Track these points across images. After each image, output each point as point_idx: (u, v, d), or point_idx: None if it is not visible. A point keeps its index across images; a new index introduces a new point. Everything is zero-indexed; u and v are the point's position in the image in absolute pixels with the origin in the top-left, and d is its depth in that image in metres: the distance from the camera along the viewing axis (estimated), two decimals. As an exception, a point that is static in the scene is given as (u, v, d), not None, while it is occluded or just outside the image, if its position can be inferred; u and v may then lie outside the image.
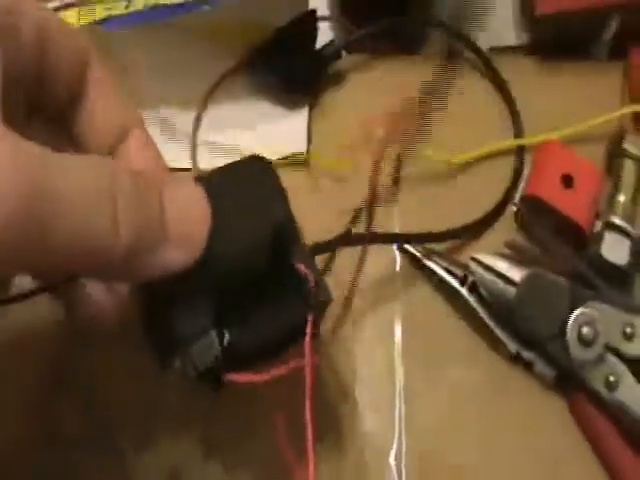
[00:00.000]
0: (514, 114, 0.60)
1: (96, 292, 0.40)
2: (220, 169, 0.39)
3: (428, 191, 0.58)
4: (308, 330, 0.39)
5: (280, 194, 0.39)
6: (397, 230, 0.57)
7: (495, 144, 0.59)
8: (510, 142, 0.59)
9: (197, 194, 0.36)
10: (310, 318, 0.39)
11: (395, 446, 0.51)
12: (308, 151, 0.59)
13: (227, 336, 0.37)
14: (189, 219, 0.35)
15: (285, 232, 0.39)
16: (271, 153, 0.56)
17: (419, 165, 0.59)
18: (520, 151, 0.59)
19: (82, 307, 0.40)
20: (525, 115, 0.60)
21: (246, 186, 0.38)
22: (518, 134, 0.59)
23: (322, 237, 0.46)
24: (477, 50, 0.61)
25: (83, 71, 0.38)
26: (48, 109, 0.38)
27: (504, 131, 0.60)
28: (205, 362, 0.36)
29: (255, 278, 0.37)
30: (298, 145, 0.59)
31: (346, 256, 0.54)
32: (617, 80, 0.62)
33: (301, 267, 0.39)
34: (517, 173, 0.58)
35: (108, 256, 0.31)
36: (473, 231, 0.56)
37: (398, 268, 0.56)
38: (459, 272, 0.53)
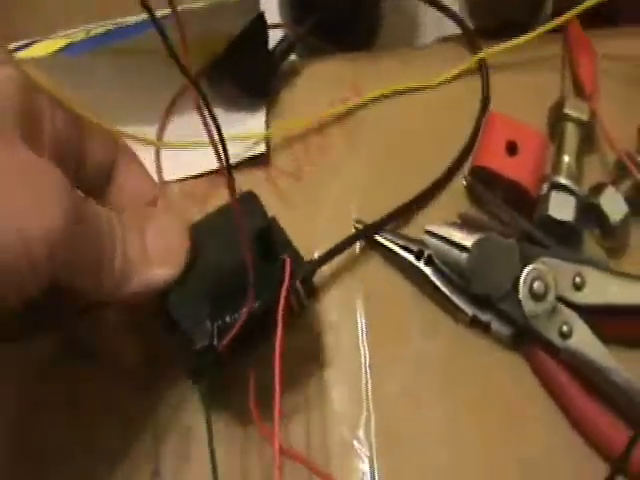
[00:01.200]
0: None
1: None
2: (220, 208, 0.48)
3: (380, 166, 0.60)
4: (287, 271, 0.45)
5: (260, 209, 0.47)
6: (354, 206, 0.59)
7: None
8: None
9: (175, 224, 0.45)
10: (288, 261, 0.45)
11: (363, 419, 0.52)
12: (268, 150, 0.61)
13: (220, 322, 0.44)
14: (168, 246, 0.43)
15: (269, 233, 0.46)
16: (231, 157, 0.58)
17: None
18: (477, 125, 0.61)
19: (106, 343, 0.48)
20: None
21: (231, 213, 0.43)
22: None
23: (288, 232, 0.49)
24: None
25: (114, 155, 0.46)
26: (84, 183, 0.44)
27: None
28: (201, 343, 0.44)
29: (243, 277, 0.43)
30: (258, 146, 0.61)
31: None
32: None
33: (285, 257, 0.45)
34: (467, 146, 0.59)
35: (107, 276, 0.40)
36: (425, 203, 0.58)
37: (357, 249, 0.57)
38: (415, 247, 0.55)
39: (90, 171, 0.44)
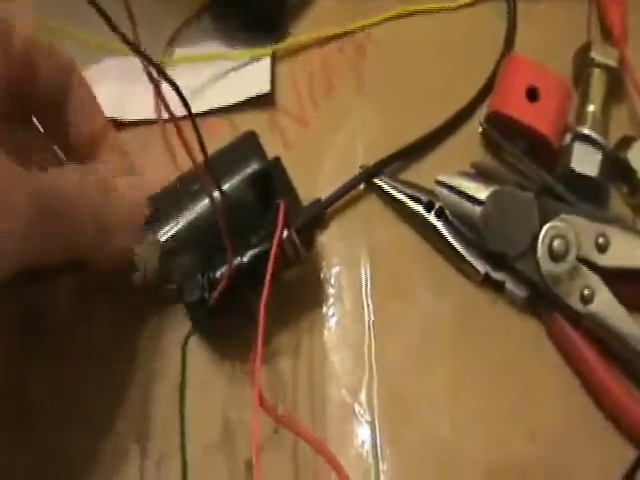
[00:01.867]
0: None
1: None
2: (220, 149, 0.47)
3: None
4: (280, 218, 0.43)
5: (260, 152, 0.46)
6: (360, 153, 0.55)
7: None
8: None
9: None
10: (282, 206, 0.43)
11: (365, 382, 0.49)
12: (273, 91, 0.57)
13: (212, 275, 0.43)
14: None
15: (266, 179, 0.44)
16: (235, 95, 0.55)
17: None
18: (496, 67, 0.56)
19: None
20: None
21: (234, 154, 0.46)
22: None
23: (292, 177, 0.48)
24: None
25: (67, 80, 0.45)
26: (34, 107, 0.45)
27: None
28: (192, 296, 0.43)
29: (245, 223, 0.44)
30: (262, 86, 0.57)
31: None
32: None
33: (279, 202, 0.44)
34: (483, 90, 0.54)
35: (85, 241, 0.40)
36: (436, 150, 0.54)
37: (362, 199, 0.53)
38: (425, 198, 0.51)
39: (42, 92, 0.44)
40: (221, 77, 0.57)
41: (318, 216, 0.49)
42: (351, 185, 0.52)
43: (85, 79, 0.47)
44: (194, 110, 0.52)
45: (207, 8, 0.59)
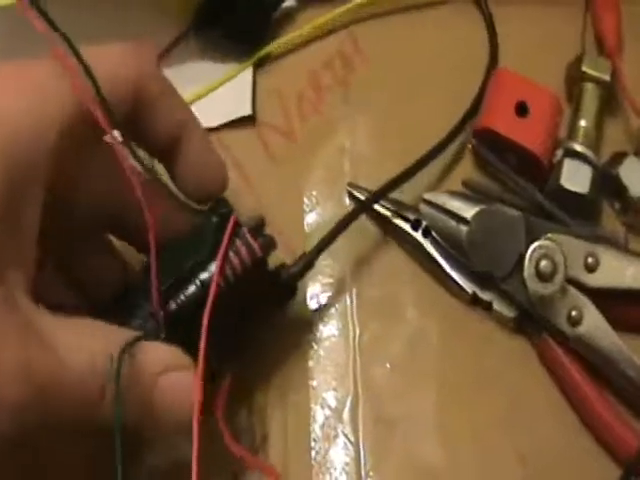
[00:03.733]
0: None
1: None
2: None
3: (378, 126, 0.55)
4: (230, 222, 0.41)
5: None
6: (347, 168, 0.54)
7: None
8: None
9: (184, 382, 0.38)
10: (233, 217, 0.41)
11: (349, 402, 0.48)
12: (254, 112, 0.56)
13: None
14: (174, 413, 0.37)
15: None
16: (216, 118, 0.55)
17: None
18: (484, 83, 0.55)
19: None
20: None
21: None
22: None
23: (278, 194, 0.48)
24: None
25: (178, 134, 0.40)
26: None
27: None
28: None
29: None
30: (243, 108, 0.56)
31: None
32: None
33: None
34: (472, 106, 0.53)
35: (95, 420, 0.35)
36: (426, 167, 0.52)
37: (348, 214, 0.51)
38: (412, 216, 0.50)
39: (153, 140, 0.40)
40: (202, 100, 0.56)
41: (306, 270, 0.46)
42: (347, 221, 0.49)
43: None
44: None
45: (191, 25, 0.58)
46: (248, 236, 0.41)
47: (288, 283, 0.45)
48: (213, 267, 0.40)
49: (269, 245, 0.42)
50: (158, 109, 0.40)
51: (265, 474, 0.44)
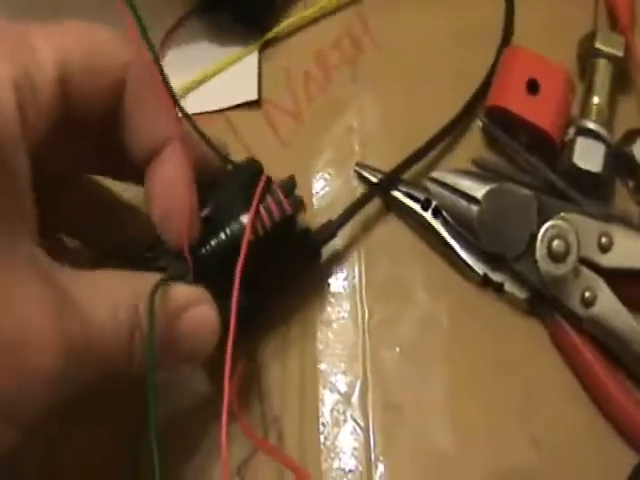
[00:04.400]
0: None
1: None
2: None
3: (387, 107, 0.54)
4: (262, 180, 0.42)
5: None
6: (356, 148, 0.53)
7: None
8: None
9: (209, 313, 0.39)
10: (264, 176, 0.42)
11: (358, 386, 0.47)
12: (260, 96, 0.55)
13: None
14: (199, 341, 0.39)
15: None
16: (222, 101, 0.55)
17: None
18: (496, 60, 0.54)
19: None
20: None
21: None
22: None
23: (286, 174, 0.45)
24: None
25: (117, 90, 0.38)
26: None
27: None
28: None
29: None
30: (249, 92, 0.55)
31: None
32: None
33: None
34: (484, 83, 0.52)
35: (125, 372, 0.36)
36: (436, 147, 0.51)
37: (358, 195, 0.51)
38: (421, 196, 0.49)
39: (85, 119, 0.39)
40: (209, 83, 0.56)
41: (329, 238, 0.47)
42: (363, 201, 0.49)
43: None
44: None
45: (196, 7, 0.57)
46: (279, 193, 0.42)
47: (313, 247, 0.46)
48: (243, 219, 0.41)
49: (299, 205, 0.43)
50: (141, 111, 0.39)
51: (294, 473, 0.43)
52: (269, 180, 0.42)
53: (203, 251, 0.41)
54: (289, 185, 0.44)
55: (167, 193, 0.40)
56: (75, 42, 0.36)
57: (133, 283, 0.36)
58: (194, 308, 0.39)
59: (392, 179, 0.50)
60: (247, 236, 0.41)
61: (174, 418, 0.46)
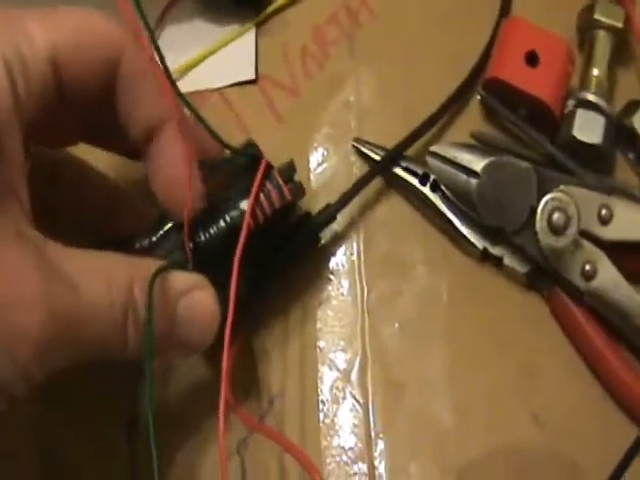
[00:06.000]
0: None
1: None
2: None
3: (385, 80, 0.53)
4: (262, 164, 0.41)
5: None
6: (353, 124, 0.52)
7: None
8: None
9: (208, 299, 0.39)
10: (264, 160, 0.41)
11: (358, 362, 0.47)
12: (257, 75, 0.54)
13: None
14: (198, 327, 0.39)
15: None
16: (220, 80, 0.54)
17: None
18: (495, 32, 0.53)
19: None
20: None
21: None
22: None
23: (283, 151, 0.45)
24: None
25: (111, 72, 0.38)
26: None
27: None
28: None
29: None
30: (247, 72, 0.55)
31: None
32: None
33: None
34: (483, 57, 0.51)
35: (119, 355, 0.36)
36: (439, 120, 0.50)
37: (355, 170, 0.51)
38: (420, 171, 0.48)
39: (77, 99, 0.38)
40: (205, 62, 0.55)
41: (329, 221, 0.47)
42: (364, 181, 0.49)
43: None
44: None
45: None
46: (279, 179, 0.41)
47: (312, 231, 0.46)
48: (243, 205, 0.40)
49: (299, 190, 0.43)
50: (137, 94, 0.39)
51: (306, 470, 0.42)
52: (268, 165, 0.42)
53: (202, 239, 0.40)
54: (288, 170, 0.43)
55: (168, 164, 0.40)
56: (68, 25, 0.37)
57: (129, 266, 0.37)
58: (192, 294, 0.38)
59: (392, 158, 0.49)
60: (246, 223, 0.40)
61: (172, 401, 0.46)
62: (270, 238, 0.43)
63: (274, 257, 0.45)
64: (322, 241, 0.48)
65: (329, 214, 0.47)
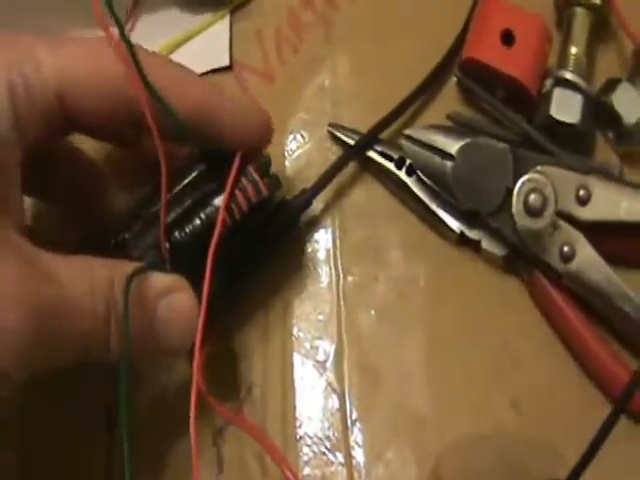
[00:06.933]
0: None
1: None
2: None
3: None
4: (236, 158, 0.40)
5: None
6: (328, 108, 0.51)
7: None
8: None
9: (187, 301, 0.39)
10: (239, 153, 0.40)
11: (334, 350, 0.46)
12: (231, 62, 0.54)
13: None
14: (176, 329, 0.39)
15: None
16: (194, 67, 0.51)
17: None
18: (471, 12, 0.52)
19: None
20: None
21: None
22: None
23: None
24: None
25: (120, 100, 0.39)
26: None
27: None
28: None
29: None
30: (221, 58, 0.54)
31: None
32: None
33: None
34: (459, 37, 0.50)
35: (102, 356, 0.36)
36: (414, 103, 0.50)
37: (331, 156, 0.50)
38: (395, 155, 0.47)
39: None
40: (180, 50, 0.54)
41: (306, 206, 0.46)
42: (339, 165, 0.48)
43: None
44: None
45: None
46: (255, 175, 0.41)
47: (289, 217, 0.45)
48: (218, 202, 0.40)
49: (275, 185, 0.42)
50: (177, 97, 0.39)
51: (248, 433, 0.42)
52: (244, 159, 0.41)
53: (178, 237, 0.40)
54: (264, 164, 0.42)
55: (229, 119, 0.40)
56: (79, 57, 0.37)
57: (111, 268, 0.37)
58: (171, 296, 0.38)
59: (367, 141, 0.48)
60: (220, 219, 0.40)
61: (147, 392, 0.46)
62: (247, 229, 0.42)
63: (252, 248, 0.44)
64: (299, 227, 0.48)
65: (305, 199, 0.46)
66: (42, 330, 0.32)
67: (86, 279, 0.35)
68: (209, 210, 0.40)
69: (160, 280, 0.38)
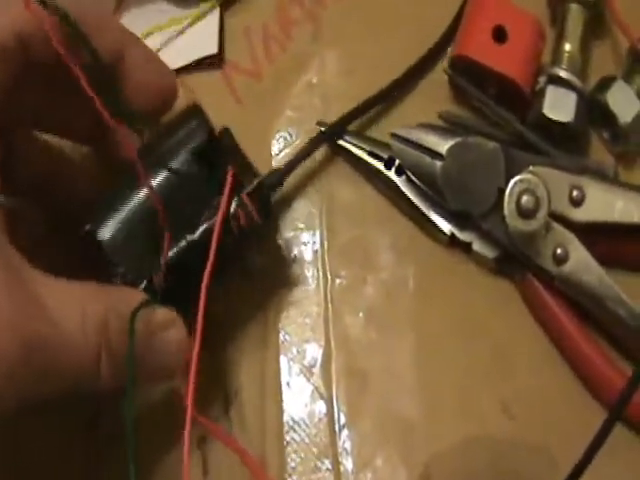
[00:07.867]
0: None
1: None
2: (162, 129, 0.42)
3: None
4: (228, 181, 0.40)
5: (205, 125, 0.41)
6: (317, 106, 0.51)
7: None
8: None
9: (182, 335, 0.39)
10: (231, 171, 0.40)
11: (321, 354, 0.45)
12: (221, 52, 0.53)
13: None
14: (168, 360, 0.39)
15: (214, 152, 0.41)
16: (182, 58, 0.52)
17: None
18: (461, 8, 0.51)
19: None
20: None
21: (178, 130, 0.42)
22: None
23: (245, 136, 0.43)
24: None
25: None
26: None
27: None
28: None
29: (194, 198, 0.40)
30: (209, 46, 0.53)
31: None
32: None
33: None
34: (448, 32, 0.50)
35: (92, 385, 0.36)
36: (400, 101, 0.49)
37: (319, 156, 0.49)
38: (385, 155, 0.46)
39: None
40: (167, 39, 0.54)
41: (276, 185, 0.45)
42: (311, 148, 0.47)
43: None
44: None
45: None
46: (248, 203, 0.40)
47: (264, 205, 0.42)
48: (206, 225, 0.40)
49: (269, 213, 0.42)
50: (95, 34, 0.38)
51: (230, 448, 0.41)
52: (235, 179, 0.40)
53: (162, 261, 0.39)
54: (256, 187, 0.41)
55: (147, 67, 0.41)
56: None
57: (104, 297, 0.37)
58: (167, 331, 0.39)
59: (338, 127, 0.48)
60: (213, 250, 0.39)
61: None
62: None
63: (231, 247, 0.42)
64: (284, 225, 0.48)
65: (276, 178, 0.45)
66: (31, 361, 0.32)
67: (78, 309, 0.35)
68: (196, 234, 0.40)
69: (156, 315, 0.38)
